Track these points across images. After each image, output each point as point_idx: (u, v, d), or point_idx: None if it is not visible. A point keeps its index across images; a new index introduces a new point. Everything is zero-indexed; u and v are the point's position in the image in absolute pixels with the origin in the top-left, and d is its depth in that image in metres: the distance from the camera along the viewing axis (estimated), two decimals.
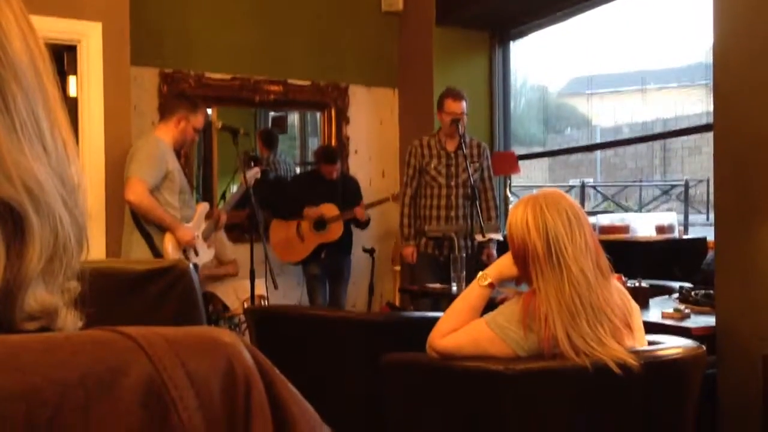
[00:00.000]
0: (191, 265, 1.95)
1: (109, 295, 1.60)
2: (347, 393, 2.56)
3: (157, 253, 3.71)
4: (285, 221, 4.89)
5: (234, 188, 4.99)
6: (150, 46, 4.65)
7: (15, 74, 0.44)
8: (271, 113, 5.71)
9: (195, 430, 0.40)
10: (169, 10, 4.84)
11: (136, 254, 3.70)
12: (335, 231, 4.85)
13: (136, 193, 3.63)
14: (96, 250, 3.69)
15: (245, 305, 4.12)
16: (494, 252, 4.23)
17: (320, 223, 4.84)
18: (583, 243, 1.82)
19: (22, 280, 0.43)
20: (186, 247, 3.81)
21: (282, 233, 4.89)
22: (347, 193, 4.95)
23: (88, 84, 4.00)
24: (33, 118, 0.45)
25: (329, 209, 4.85)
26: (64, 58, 4.03)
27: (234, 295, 4.33)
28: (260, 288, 4.21)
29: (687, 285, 3.05)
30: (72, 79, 4.07)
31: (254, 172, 4.20)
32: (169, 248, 3.72)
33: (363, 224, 4.97)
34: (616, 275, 2.03)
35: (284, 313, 3.09)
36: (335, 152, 5.01)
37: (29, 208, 0.43)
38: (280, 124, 5.84)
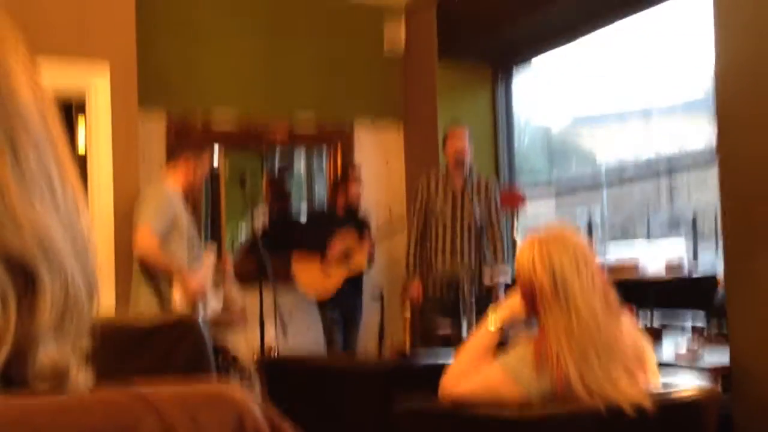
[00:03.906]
0: (200, 319, 1.95)
1: (119, 348, 1.60)
2: None
3: (164, 301, 3.70)
4: (306, 257, 4.82)
5: (243, 232, 5.00)
6: (156, 87, 4.69)
7: (25, 125, 0.44)
8: (278, 152, 5.72)
9: None
10: (176, 51, 4.89)
11: (145, 303, 3.69)
12: (359, 261, 4.82)
13: (145, 241, 3.64)
14: (105, 301, 3.68)
15: (255, 355, 4.09)
16: (502, 293, 4.20)
17: (343, 255, 4.82)
18: (590, 279, 1.81)
19: (33, 337, 0.43)
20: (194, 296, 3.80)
21: (307, 270, 4.82)
22: (362, 226, 4.95)
23: (97, 131, 4.02)
24: (43, 170, 0.45)
25: (350, 238, 4.83)
26: (72, 106, 4.08)
27: (244, 344, 4.30)
28: (270, 337, 4.18)
29: (699, 314, 3.01)
30: (80, 128, 4.11)
31: (261, 215, 4.20)
32: (177, 297, 3.71)
33: (371, 259, 4.95)
34: (627, 305, 2.01)
35: (294, 362, 3.07)
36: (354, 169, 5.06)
37: (40, 263, 0.43)
38: (287, 164, 5.86)
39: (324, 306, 4.85)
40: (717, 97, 2.70)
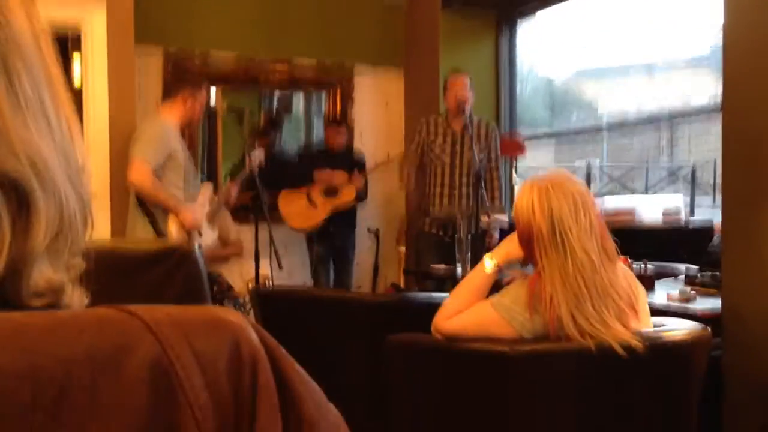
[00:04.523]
0: (196, 247, 1.96)
1: (115, 275, 1.60)
2: (352, 373, 2.57)
3: (160, 234, 3.72)
4: (294, 191, 4.86)
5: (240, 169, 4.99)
6: (154, 25, 4.61)
7: (19, 52, 0.44)
8: (277, 94, 5.68)
9: (202, 409, 0.40)
10: None
11: (140, 235, 3.70)
12: (347, 195, 4.84)
13: (140, 174, 3.63)
14: (100, 232, 3.69)
15: (250, 286, 4.13)
16: (497, 236, 4.22)
17: (331, 191, 4.84)
18: (588, 225, 1.82)
19: (27, 257, 0.43)
20: (189, 229, 3.82)
21: (292, 203, 4.87)
22: (355, 166, 4.96)
23: (93, 66, 3.98)
24: (37, 96, 0.45)
25: (339, 176, 4.85)
26: (68, 41, 4.01)
27: (239, 275, 4.34)
28: (265, 269, 4.22)
29: (693, 267, 3.05)
30: (76, 63, 4.05)
31: (259, 153, 4.20)
32: (173, 230, 3.72)
33: (361, 196, 4.98)
34: (622, 257, 2.03)
35: (289, 293, 3.10)
36: (341, 118, 5.10)
37: (35, 184, 0.43)
38: (286, 105, 5.82)
39: (312, 241, 4.87)
40: (724, 52, 2.66)
